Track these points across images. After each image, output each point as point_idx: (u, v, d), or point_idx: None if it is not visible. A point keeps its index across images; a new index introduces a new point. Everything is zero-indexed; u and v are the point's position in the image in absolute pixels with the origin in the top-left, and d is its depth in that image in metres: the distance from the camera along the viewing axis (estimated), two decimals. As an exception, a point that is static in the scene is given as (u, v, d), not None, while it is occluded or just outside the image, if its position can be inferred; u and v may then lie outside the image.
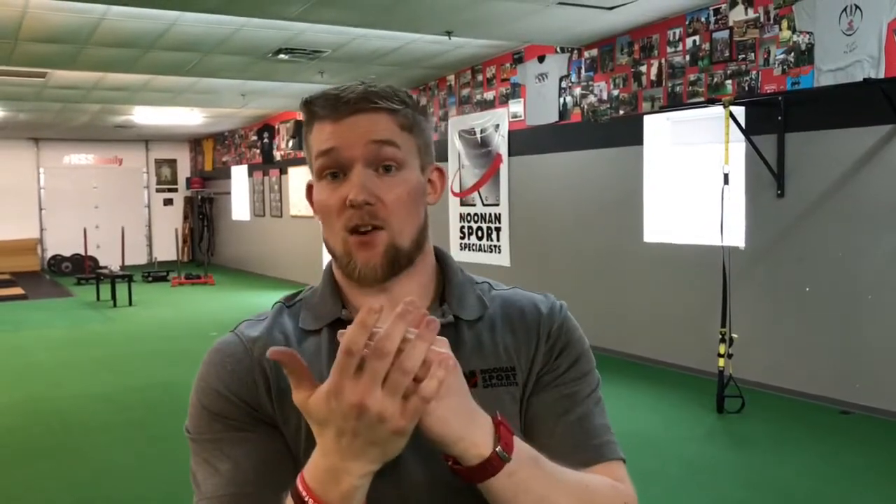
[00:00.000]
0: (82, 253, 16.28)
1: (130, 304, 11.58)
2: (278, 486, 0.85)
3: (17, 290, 13.49)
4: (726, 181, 5.41)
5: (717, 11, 6.16)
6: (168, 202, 19.24)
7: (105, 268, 13.36)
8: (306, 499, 0.79)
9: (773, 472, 4.36)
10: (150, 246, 18.83)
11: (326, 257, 1.07)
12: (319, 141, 0.98)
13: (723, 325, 5.43)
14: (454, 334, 0.98)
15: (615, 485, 0.97)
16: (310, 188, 1.05)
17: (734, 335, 5.44)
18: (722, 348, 5.42)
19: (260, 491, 0.89)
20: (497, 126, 8.66)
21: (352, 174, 0.95)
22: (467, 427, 0.82)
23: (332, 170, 0.97)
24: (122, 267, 13.96)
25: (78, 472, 4.58)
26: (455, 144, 9.37)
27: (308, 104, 0.99)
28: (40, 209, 17.73)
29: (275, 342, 0.97)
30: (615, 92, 7.14)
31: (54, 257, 17.27)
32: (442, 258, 1.07)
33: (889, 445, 4.77)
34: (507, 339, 1.00)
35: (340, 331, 0.77)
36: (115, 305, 11.54)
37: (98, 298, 12.24)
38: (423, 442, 0.83)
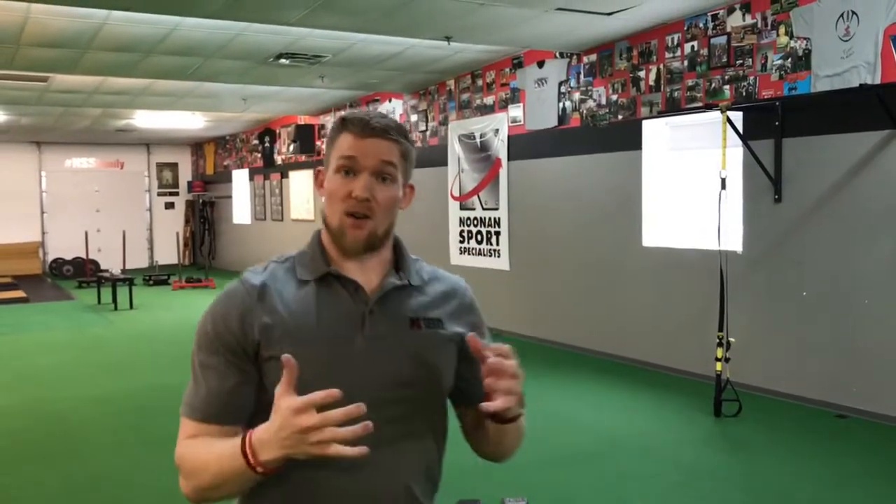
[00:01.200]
0: (84, 256, 16.32)
1: (131, 307, 11.62)
2: (234, 416, 1.32)
3: (19, 293, 13.52)
4: (723, 186, 5.43)
5: (715, 17, 6.19)
6: (169, 206, 19.28)
7: (106, 271, 13.40)
8: (247, 450, 1.19)
9: (770, 475, 4.37)
10: (151, 249, 18.87)
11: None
12: (344, 147, 1.35)
13: (720, 330, 5.45)
14: (406, 292, 1.41)
15: None
16: (318, 172, 1.43)
17: (731, 339, 5.46)
18: (719, 352, 5.44)
19: (220, 421, 1.31)
20: (497, 130, 8.69)
21: (361, 177, 1.34)
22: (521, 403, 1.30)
23: (347, 169, 1.35)
24: (124, 270, 13.97)
25: (77, 474, 4.60)
26: (455, 149, 9.39)
27: (344, 120, 1.37)
28: (42, 212, 17.78)
29: (272, 287, 1.36)
30: (614, 97, 7.16)
31: (56, 261, 17.31)
32: (397, 243, 1.45)
33: (885, 449, 4.78)
34: (439, 300, 1.44)
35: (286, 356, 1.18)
36: (116, 309, 11.56)
37: (99, 302, 12.28)
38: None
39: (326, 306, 1.35)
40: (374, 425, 1.16)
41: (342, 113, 1.40)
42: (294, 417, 1.14)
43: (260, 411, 1.26)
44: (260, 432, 1.19)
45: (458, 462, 4.80)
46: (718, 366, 5.43)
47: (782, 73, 5.71)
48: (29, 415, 5.90)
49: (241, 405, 1.32)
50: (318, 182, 1.41)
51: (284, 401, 1.15)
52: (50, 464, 4.79)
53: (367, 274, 1.38)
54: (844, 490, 4.15)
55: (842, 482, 4.26)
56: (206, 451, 1.27)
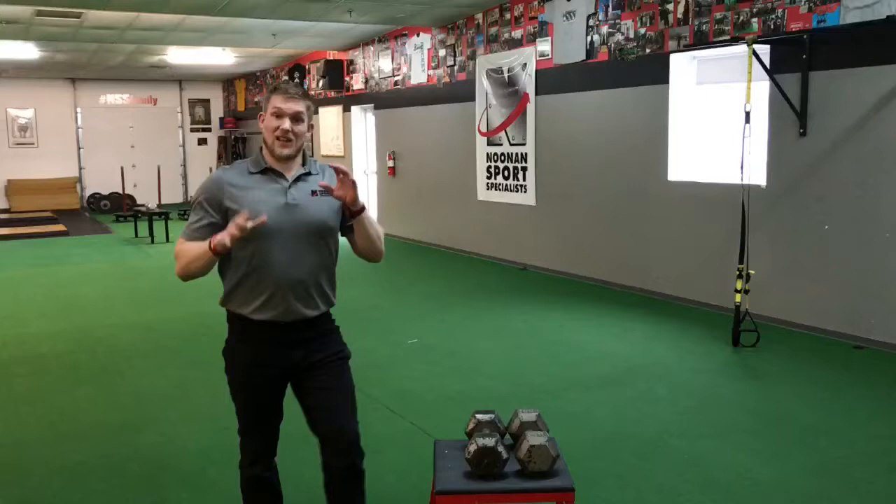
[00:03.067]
0: (120, 191, 16.66)
1: (168, 240, 11.94)
2: (204, 240, 2.41)
3: (60, 227, 13.92)
4: (747, 120, 5.45)
5: (745, -53, 6.11)
6: (202, 142, 19.51)
7: (143, 206, 13.71)
8: (211, 241, 2.35)
9: (784, 402, 4.52)
10: (185, 185, 19.18)
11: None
12: (275, 101, 2.45)
13: (740, 262, 5.54)
14: (309, 177, 2.51)
15: (381, 228, 2.62)
16: (260, 115, 2.50)
17: (752, 271, 5.56)
18: (739, 284, 5.54)
19: (199, 237, 2.42)
20: (524, 65, 8.69)
21: (284, 120, 2.44)
22: (359, 199, 2.47)
23: (277, 114, 2.44)
24: (159, 205, 14.30)
25: (122, 394, 4.88)
26: (482, 84, 9.41)
27: (275, 88, 2.47)
28: (79, 148, 18.11)
29: (233, 175, 2.48)
30: (642, 30, 7.13)
31: (93, 195, 17.71)
32: (303, 151, 2.54)
33: (899, 379, 4.90)
34: (325, 179, 2.51)
35: (240, 217, 2.31)
36: (152, 242, 11.90)
37: (136, 235, 12.63)
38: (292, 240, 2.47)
39: (265, 184, 2.47)
40: (298, 243, 2.43)
41: (274, 82, 2.74)
42: (238, 218, 2.29)
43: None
44: (218, 234, 2.33)
45: (487, 389, 5.02)
46: (738, 297, 5.55)
47: (811, 5, 5.66)
48: (76, 340, 6.22)
49: (208, 236, 2.40)
50: (261, 119, 2.49)
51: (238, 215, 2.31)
52: (98, 383, 5.09)
53: (288, 169, 2.50)
54: (857, 417, 4.28)
55: (855, 409, 4.39)
56: (190, 246, 2.42)
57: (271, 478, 2.63)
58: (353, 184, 2.42)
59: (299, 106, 2.45)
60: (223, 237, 2.30)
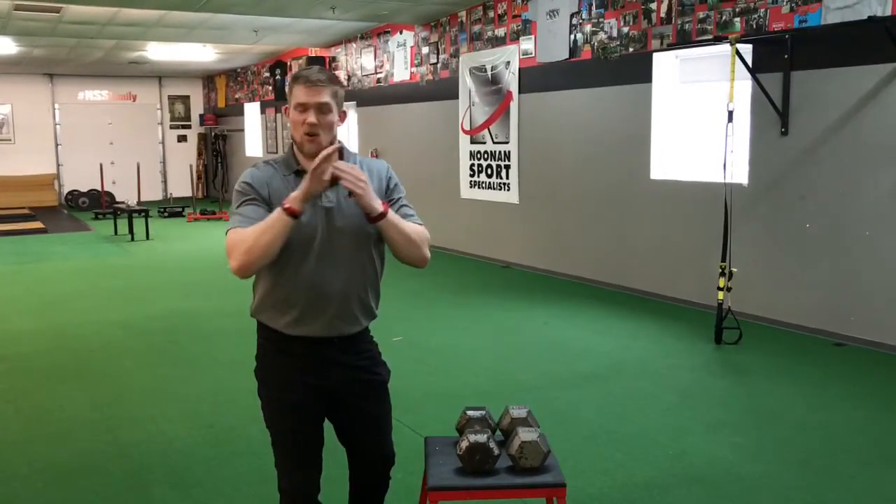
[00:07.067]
0: (99, 188, 16.51)
1: (148, 238, 11.83)
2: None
3: (37, 224, 13.76)
4: (730, 119, 5.50)
5: (728, -52, 6.15)
6: (182, 139, 19.36)
7: (122, 203, 13.59)
8: (284, 204, 2.08)
9: (766, 399, 4.56)
10: (165, 182, 19.03)
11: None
12: (298, 94, 2.21)
13: (723, 260, 5.59)
14: None
15: (422, 228, 2.31)
16: (285, 108, 2.29)
17: (734, 269, 5.60)
18: (721, 282, 5.59)
19: (256, 217, 2.14)
20: (508, 63, 8.70)
21: (309, 112, 2.20)
22: (376, 201, 2.16)
23: (301, 108, 2.21)
24: (139, 202, 14.18)
25: (103, 392, 4.83)
26: (466, 81, 9.41)
27: (296, 77, 2.23)
28: (56, 145, 17.91)
29: (271, 173, 2.25)
30: (625, 29, 7.16)
31: (71, 192, 17.51)
32: (341, 146, 2.21)
33: (879, 375, 4.95)
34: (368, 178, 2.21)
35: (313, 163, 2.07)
36: (132, 239, 11.79)
37: (116, 232, 12.51)
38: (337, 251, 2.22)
39: (297, 186, 2.16)
40: (334, 251, 2.21)
41: (295, 72, 2.36)
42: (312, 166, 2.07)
43: None
44: (292, 195, 2.09)
45: (473, 386, 5.02)
46: (720, 295, 5.59)
47: (793, 5, 5.71)
48: (56, 337, 6.15)
49: (265, 215, 2.16)
50: (286, 113, 2.28)
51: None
52: (79, 382, 5.03)
53: None
54: (837, 412, 4.34)
55: (835, 405, 4.45)
56: (250, 228, 2.11)
57: None
58: (362, 188, 2.11)
59: (324, 95, 2.17)
60: (298, 192, 2.06)
